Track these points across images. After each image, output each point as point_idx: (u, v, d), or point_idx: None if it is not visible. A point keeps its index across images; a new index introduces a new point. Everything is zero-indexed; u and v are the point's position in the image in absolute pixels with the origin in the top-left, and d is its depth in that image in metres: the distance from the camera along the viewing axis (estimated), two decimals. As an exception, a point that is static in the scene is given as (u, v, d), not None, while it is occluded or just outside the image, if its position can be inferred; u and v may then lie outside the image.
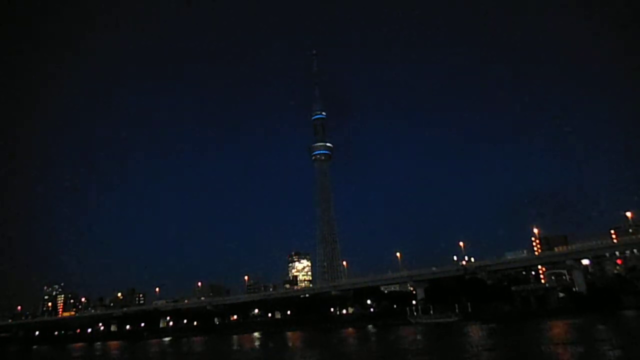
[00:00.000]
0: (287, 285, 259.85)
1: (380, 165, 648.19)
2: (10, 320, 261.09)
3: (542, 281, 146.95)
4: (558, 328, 72.76)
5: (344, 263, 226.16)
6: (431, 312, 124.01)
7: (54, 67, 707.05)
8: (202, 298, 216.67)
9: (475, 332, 75.66)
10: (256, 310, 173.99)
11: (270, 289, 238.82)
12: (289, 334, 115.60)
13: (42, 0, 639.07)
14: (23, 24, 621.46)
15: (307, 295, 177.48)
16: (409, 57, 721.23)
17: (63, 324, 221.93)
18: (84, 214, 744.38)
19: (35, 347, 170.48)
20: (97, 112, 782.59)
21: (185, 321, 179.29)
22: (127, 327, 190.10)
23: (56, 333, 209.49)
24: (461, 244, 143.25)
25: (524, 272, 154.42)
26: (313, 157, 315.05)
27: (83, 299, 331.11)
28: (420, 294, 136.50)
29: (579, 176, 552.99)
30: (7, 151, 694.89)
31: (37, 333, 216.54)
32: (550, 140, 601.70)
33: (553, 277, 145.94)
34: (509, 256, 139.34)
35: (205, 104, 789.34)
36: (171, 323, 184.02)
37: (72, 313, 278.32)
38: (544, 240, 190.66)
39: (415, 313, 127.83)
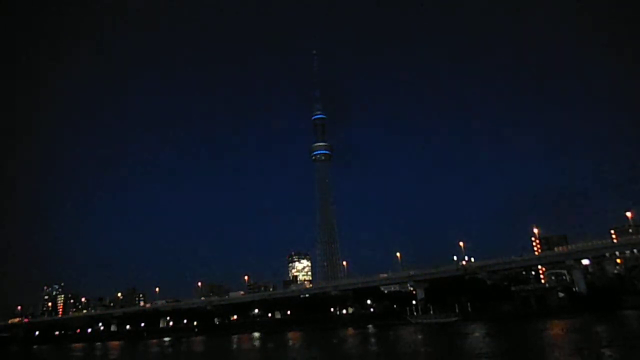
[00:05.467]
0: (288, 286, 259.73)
1: (380, 165, 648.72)
2: (10, 321, 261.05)
3: (542, 281, 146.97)
4: (558, 328, 72.73)
5: (344, 263, 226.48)
6: (431, 312, 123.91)
7: (58, 66, 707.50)
8: (202, 298, 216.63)
9: (475, 333, 75.58)
10: (256, 310, 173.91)
11: (270, 289, 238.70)
12: (289, 334, 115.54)
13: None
14: (29, 23, 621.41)
15: (307, 295, 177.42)
16: (409, 57, 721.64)
17: (63, 324, 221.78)
18: (84, 213, 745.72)
19: (35, 347, 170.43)
20: (97, 112, 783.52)
21: (185, 321, 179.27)
22: (127, 327, 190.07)
23: (56, 333, 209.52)
24: (461, 244, 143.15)
25: (524, 272, 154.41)
26: (313, 157, 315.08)
27: (83, 299, 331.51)
28: (420, 294, 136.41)
29: (579, 176, 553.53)
30: (8, 151, 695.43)
31: (37, 333, 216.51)
32: (551, 141, 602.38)
33: (553, 277, 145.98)
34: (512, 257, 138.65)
35: (205, 103, 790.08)
36: (171, 323, 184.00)
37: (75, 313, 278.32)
38: (544, 240, 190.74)
39: (415, 313, 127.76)
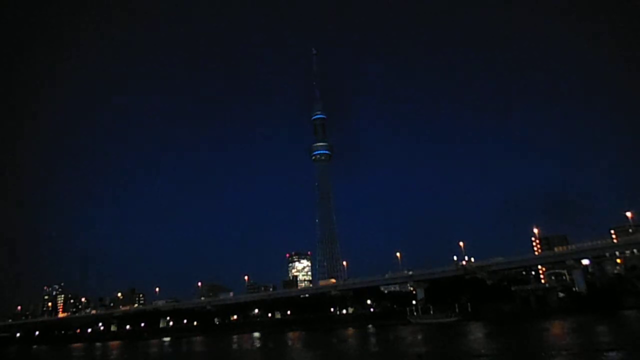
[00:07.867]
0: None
1: (380, 165, 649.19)
2: (10, 320, 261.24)
3: (542, 281, 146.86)
4: (558, 328, 72.67)
5: (344, 263, 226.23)
6: (431, 312, 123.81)
7: (53, 68, 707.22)
8: (202, 298, 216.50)
9: (475, 333, 75.55)
10: (256, 310, 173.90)
11: (270, 289, 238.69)
12: (289, 334, 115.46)
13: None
14: (29, 23, 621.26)
15: (307, 295, 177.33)
16: (410, 57, 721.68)
17: (63, 324, 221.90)
18: (84, 213, 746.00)
19: (35, 347, 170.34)
20: (97, 113, 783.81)
21: (185, 321, 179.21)
22: (127, 327, 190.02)
23: (56, 333, 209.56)
24: (461, 244, 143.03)
25: (524, 272, 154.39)
26: (313, 157, 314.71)
27: (83, 299, 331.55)
28: (420, 294, 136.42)
29: (579, 176, 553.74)
30: (8, 151, 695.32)
31: (37, 333, 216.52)
32: (551, 140, 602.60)
33: (553, 277, 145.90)
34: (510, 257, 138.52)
35: (205, 104, 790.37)
36: (171, 323, 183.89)
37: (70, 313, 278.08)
38: (544, 240, 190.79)
39: (415, 313, 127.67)
